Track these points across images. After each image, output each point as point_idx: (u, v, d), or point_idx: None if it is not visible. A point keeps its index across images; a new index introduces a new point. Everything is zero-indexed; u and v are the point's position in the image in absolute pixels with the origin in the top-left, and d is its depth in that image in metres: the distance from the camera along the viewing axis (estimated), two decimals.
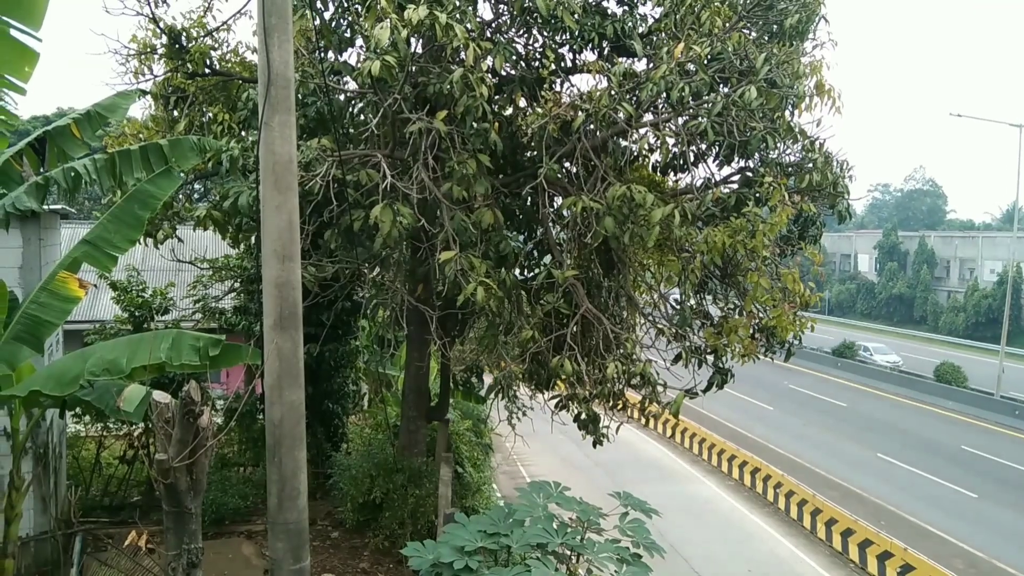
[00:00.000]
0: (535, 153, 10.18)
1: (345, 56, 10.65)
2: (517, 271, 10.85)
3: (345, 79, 10.40)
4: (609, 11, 10.17)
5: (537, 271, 11.11)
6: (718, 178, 10.53)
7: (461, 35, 8.18)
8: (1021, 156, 40.80)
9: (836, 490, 24.00)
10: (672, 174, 10.83)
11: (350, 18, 10.25)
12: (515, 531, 7.02)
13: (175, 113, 11.83)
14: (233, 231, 10.67)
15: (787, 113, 9.68)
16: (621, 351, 9.74)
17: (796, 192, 9.80)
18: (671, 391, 10.09)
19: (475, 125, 8.68)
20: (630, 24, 10.03)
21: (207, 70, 11.18)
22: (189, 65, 10.91)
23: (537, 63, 10.20)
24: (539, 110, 9.36)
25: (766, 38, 9.99)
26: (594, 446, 10.68)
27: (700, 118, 9.11)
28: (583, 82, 11.39)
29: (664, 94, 9.11)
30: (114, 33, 22.11)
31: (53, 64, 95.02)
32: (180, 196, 12.36)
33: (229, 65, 11.66)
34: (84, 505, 12.07)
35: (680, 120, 9.47)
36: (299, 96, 9.69)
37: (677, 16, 9.66)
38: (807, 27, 10.01)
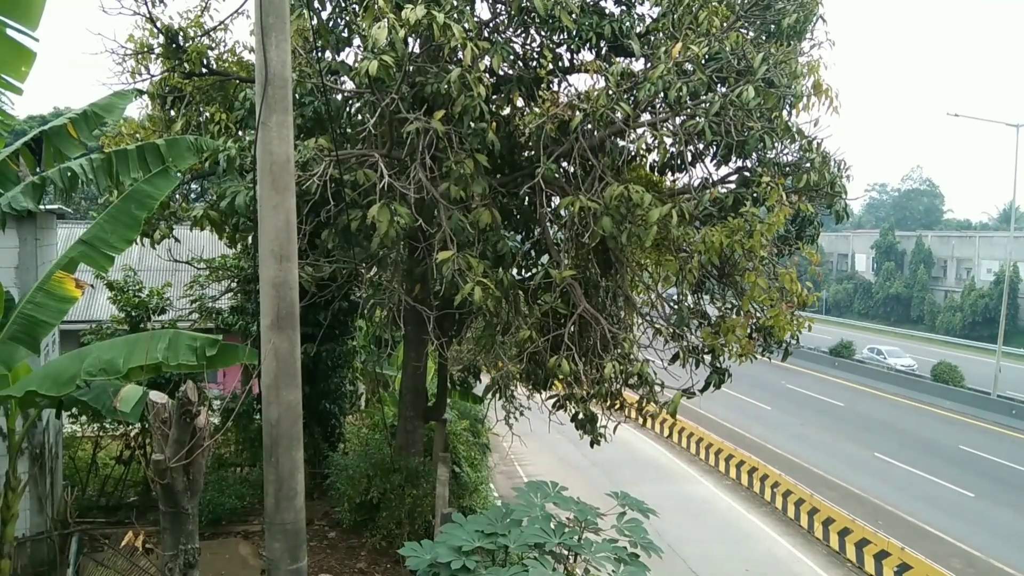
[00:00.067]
0: (533, 153, 10.18)
1: (342, 56, 10.66)
2: (515, 271, 10.84)
3: (342, 79, 10.39)
4: (607, 11, 10.17)
5: (535, 271, 11.10)
6: (716, 178, 10.54)
7: (459, 35, 8.17)
8: (1018, 156, 40.90)
9: (834, 489, 24.02)
10: (670, 174, 10.84)
11: (347, 18, 10.24)
12: (513, 531, 7.02)
13: (172, 113, 11.82)
14: (230, 231, 10.66)
15: (785, 113, 9.68)
16: (619, 351, 9.74)
17: (794, 192, 9.81)
18: (668, 391, 10.10)
19: (472, 125, 8.67)
20: (628, 24, 10.02)
21: (204, 70, 11.17)
22: (186, 65, 10.89)
23: (535, 63, 10.19)
24: (537, 110, 9.35)
25: (764, 38, 9.99)
26: (591, 446, 10.69)
27: (698, 118, 9.11)
28: (581, 82, 11.41)
29: (662, 94, 9.10)
30: (111, 33, 22.05)
31: (50, 64, 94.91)
32: (177, 196, 12.34)
33: (226, 65, 11.64)
34: (80, 505, 12.06)
35: (678, 120, 9.47)
36: (296, 96, 9.69)
37: (675, 16, 9.65)
38: (805, 27, 10.01)
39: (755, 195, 9.38)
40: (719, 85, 9.44)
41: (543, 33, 10.04)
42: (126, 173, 8.37)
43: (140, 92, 11.51)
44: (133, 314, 13.09)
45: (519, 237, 11.93)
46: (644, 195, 8.75)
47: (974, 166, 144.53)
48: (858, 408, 36.92)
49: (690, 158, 9.98)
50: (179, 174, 9.04)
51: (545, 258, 10.86)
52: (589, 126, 9.46)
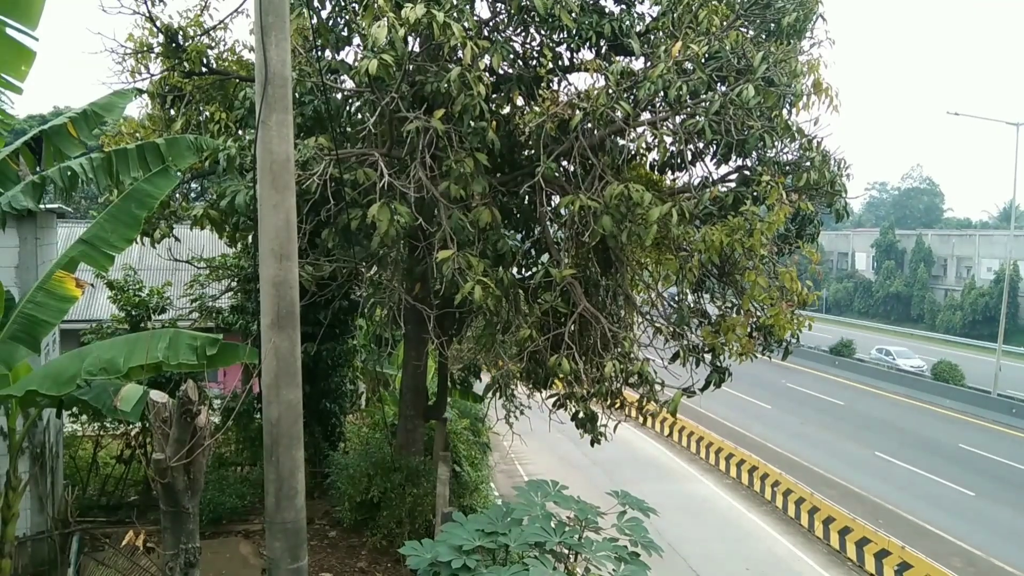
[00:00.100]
0: (533, 152, 10.18)
1: (342, 55, 10.65)
2: (515, 270, 10.84)
3: (342, 78, 10.38)
4: (607, 10, 10.16)
5: (535, 270, 11.10)
6: (716, 177, 10.54)
7: (459, 34, 8.17)
8: (1018, 154, 40.89)
9: (834, 488, 24.03)
10: (670, 173, 10.84)
11: (347, 17, 10.24)
12: (513, 530, 7.01)
13: (172, 112, 11.81)
14: (230, 230, 10.67)
15: (785, 112, 9.68)
16: (619, 350, 9.74)
17: (794, 191, 9.80)
18: (669, 390, 10.10)
19: (472, 124, 8.67)
20: (628, 23, 10.02)
21: (204, 69, 11.16)
22: (186, 64, 10.89)
23: (535, 62, 10.19)
24: (537, 109, 9.35)
25: (764, 37, 9.98)
26: (592, 445, 10.68)
27: (698, 117, 9.11)
28: (581, 81, 11.40)
29: (662, 93, 9.10)
30: (111, 32, 22.05)
31: (50, 63, 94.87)
32: (177, 195, 12.33)
33: (226, 64, 11.63)
34: (81, 505, 12.06)
35: (678, 119, 9.46)
36: (296, 95, 9.68)
37: (675, 15, 9.65)
38: (805, 25, 10.00)
39: (755, 194, 9.38)
40: (719, 84, 9.43)
41: (543, 32, 10.04)
42: (126, 172, 8.37)
43: (140, 91, 11.50)
44: (133, 313, 13.09)
45: (519, 236, 11.92)
46: (644, 194, 8.75)
47: (974, 165, 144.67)
48: (858, 407, 36.93)
49: (690, 157, 9.99)
50: (179, 173, 9.04)
51: (545, 257, 10.86)
52: (589, 125, 9.46)
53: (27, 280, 9.70)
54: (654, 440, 30.19)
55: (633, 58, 10.41)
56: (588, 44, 10.02)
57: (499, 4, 10.42)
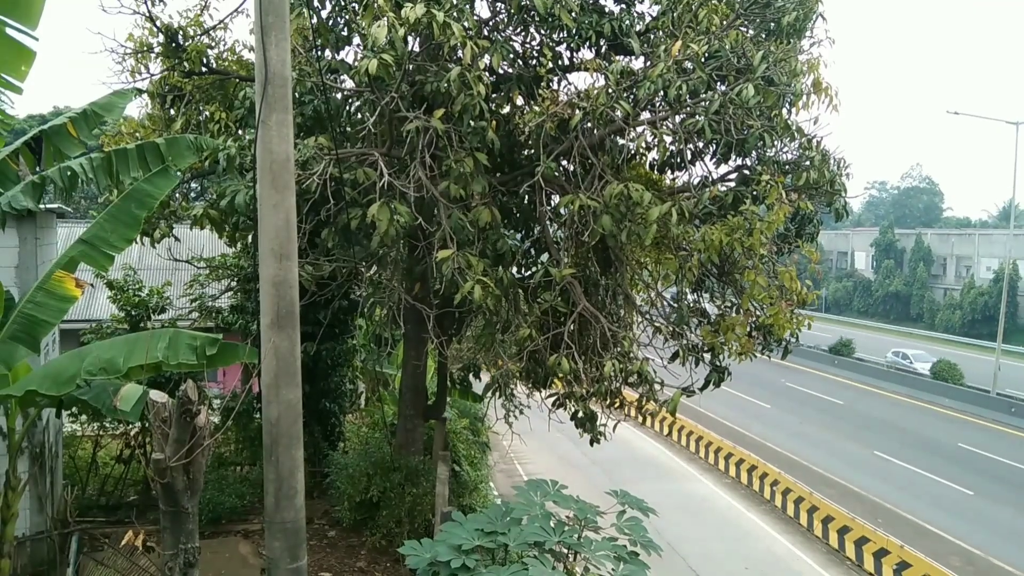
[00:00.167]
0: (532, 151, 10.18)
1: (342, 54, 10.65)
2: (514, 269, 10.84)
3: (342, 77, 10.38)
4: (607, 9, 10.16)
5: (534, 269, 11.10)
6: (715, 176, 10.54)
7: (458, 33, 8.17)
8: (1018, 154, 40.91)
9: (833, 488, 24.04)
10: (669, 172, 10.84)
11: (347, 16, 10.24)
12: (512, 529, 7.02)
13: (172, 112, 11.81)
14: (230, 230, 10.67)
15: (784, 111, 9.68)
16: (618, 349, 9.74)
17: (793, 190, 9.81)
18: (668, 389, 10.10)
19: (472, 123, 8.67)
20: (628, 22, 10.02)
21: (204, 69, 11.16)
22: (186, 64, 10.88)
23: (535, 61, 10.19)
24: (537, 108, 9.35)
25: (763, 36, 9.98)
26: (591, 444, 10.69)
27: (697, 116, 9.11)
28: (581, 80, 11.42)
29: (662, 92, 9.10)
30: (111, 32, 22.03)
31: (50, 63, 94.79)
32: (177, 195, 12.33)
33: (226, 64, 11.63)
34: (80, 505, 12.06)
35: (677, 118, 9.46)
36: (296, 95, 9.68)
37: (675, 14, 9.65)
38: (804, 25, 10.00)
39: (755, 193, 9.38)
40: (719, 83, 9.43)
41: (543, 31, 10.04)
42: (126, 172, 8.37)
43: (140, 91, 11.50)
44: (133, 313, 13.09)
45: (519, 235, 11.93)
46: (644, 193, 8.75)
47: (974, 164, 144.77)
48: (858, 406, 36.93)
49: (690, 156, 9.99)
50: (179, 173, 9.03)
51: (545, 256, 10.86)
52: (589, 124, 9.46)
53: (27, 280, 9.69)
54: (653, 439, 30.20)
55: (633, 57, 10.42)
56: (588, 43, 10.02)
57: (499, 3, 10.42)
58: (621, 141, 10.12)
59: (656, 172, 10.83)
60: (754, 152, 9.80)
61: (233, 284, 14.76)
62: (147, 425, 11.68)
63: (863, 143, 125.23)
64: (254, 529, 12.37)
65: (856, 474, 25.90)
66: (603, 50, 10.21)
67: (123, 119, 11.80)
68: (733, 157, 9.93)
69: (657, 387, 10.07)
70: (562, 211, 10.13)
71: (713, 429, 28.96)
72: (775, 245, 10.39)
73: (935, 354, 46.57)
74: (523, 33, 10.39)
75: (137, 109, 12.77)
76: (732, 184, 10.31)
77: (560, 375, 9.43)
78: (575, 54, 10.62)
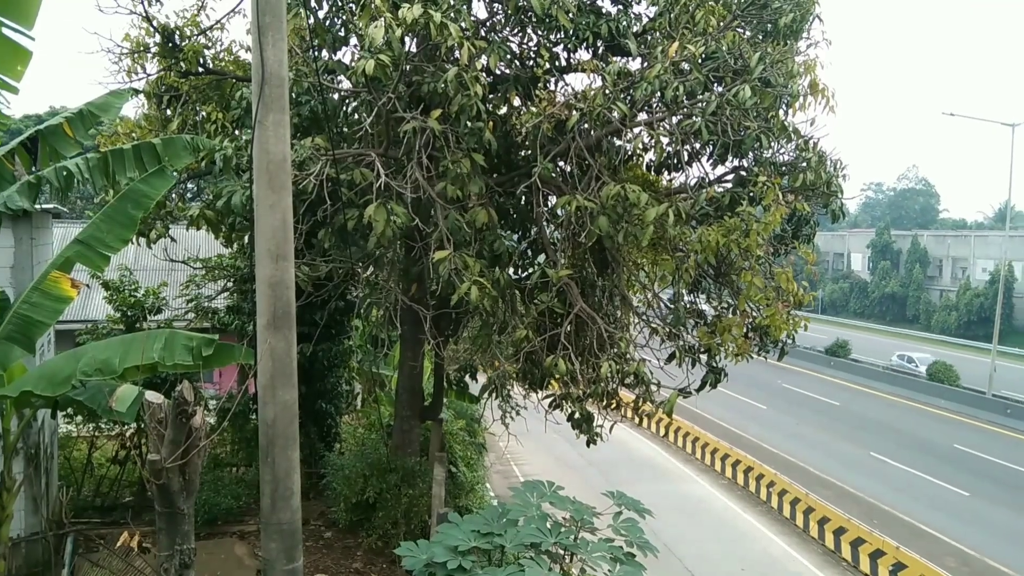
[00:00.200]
0: (529, 152, 10.17)
1: (339, 55, 10.64)
2: (511, 270, 10.84)
3: (339, 78, 10.37)
4: (604, 10, 10.16)
5: (531, 270, 11.10)
6: (712, 177, 10.55)
7: (455, 34, 8.16)
8: (1014, 155, 41.06)
9: (829, 489, 24.07)
10: (666, 173, 10.85)
11: (344, 17, 10.23)
12: (509, 531, 7.01)
13: (168, 112, 11.79)
14: (226, 230, 10.65)
15: (781, 112, 9.69)
16: (615, 350, 9.74)
17: (790, 191, 9.81)
18: (665, 390, 10.11)
19: (469, 124, 8.67)
20: (625, 23, 10.02)
21: (200, 69, 11.15)
22: (182, 64, 10.88)
23: (531, 62, 10.19)
24: (533, 109, 9.35)
25: (760, 37, 10.00)
26: (588, 445, 10.68)
27: (694, 117, 9.12)
28: (578, 81, 11.39)
29: (658, 93, 9.11)
30: (107, 32, 22.01)
31: (46, 63, 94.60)
32: (173, 195, 12.32)
33: (223, 64, 11.62)
34: (76, 506, 12.03)
35: (674, 119, 9.47)
36: (293, 95, 9.66)
37: (672, 15, 9.66)
38: (801, 26, 10.02)
39: (751, 194, 9.38)
40: (716, 84, 9.44)
41: (540, 32, 10.04)
42: (122, 172, 8.34)
43: (136, 91, 11.49)
44: (129, 314, 13.06)
45: (516, 236, 11.92)
46: (641, 194, 8.75)
47: (970, 165, 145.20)
48: (854, 407, 37.00)
49: (686, 157, 9.99)
50: (175, 173, 9.01)
51: (542, 257, 10.87)
52: (586, 125, 9.47)
53: (22, 280, 9.67)
54: (650, 441, 30.21)
55: (630, 59, 10.43)
56: (585, 44, 10.03)
57: (496, 4, 10.42)
58: (618, 142, 10.11)
59: (653, 173, 10.84)
60: (751, 153, 9.80)
61: (229, 285, 14.74)
62: (143, 426, 11.65)
63: (859, 144, 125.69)
64: (250, 530, 12.35)
65: (852, 475, 25.94)
66: (600, 51, 10.22)
67: (119, 119, 11.80)
68: (730, 158, 9.93)
69: (654, 388, 10.07)
70: (559, 212, 10.13)
71: (709, 430, 28.98)
72: (772, 246, 10.40)
73: (932, 355, 46.63)
74: (520, 34, 10.39)
75: (133, 109, 12.77)
76: (729, 185, 10.31)
77: (557, 376, 9.42)
78: (572, 55, 10.62)
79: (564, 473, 22.34)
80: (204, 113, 11.27)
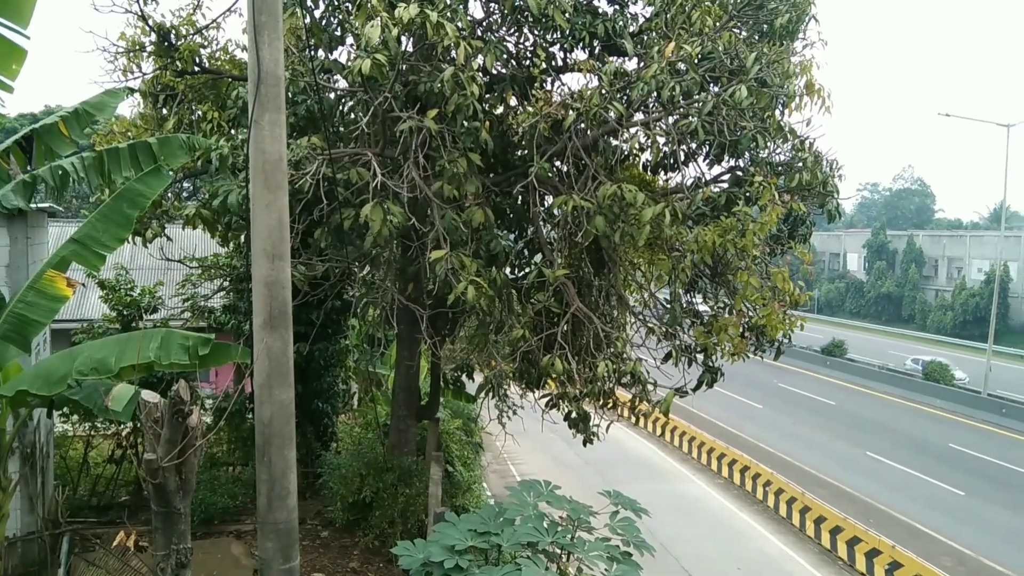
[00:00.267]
0: (526, 152, 10.18)
1: (335, 54, 10.62)
2: (508, 270, 10.84)
3: (335, 77, 10.36)
4: (600, 10, 10.16)
5: (528, 270, 11.11)
6: (708, 177, 10.56)
7: (452, 33, 8.16)
8: (1009, 156, 41.22)
9: (825, 488, 24.12)
10: (663, 173, 10.86)
11: (340, 16, 10.22)
12: (505, 530, 7.02)
13: (164, 111, 11.76)
14: (222, 230, 10.63)
15: (777, 112, 9.71)
16: (611, 350, 9.75)
17: (786, 191, 9.83)
18: (661, 390, 10.11)
19: (466, 124, 8.67)
20: (621, 23, 10.02)
21: (196, 68, 11.12)
22: (178, 63, 10.85)
23: (528, 62, 10.19)
24: (530, 109, 9.35)
25: (756, 37, 10.01)
26: (584, 445, 10.69)
27: (691, 117, 9.12)
28: (574, 81, 11.40)
29: (655, 93, 9.11)
30: (103, 31, 21.96)
31: (41, 61, 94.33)
32: (169, 194, 12.28)
33: (218, 63, 11.59)
34: (72, 505, 12.00)
35: (671, 119, 9.48)
36: (289, 94, 9.65)
37: (668, 15, 9.66)
38: (797, 27, 10.03)
39: (748, 194, 9.39)
40: (712, 85, 9.45)
41: (536, 32, 10.04)
42: (118, 171, 8.34)
43: (132, 90, 11.44)
44: (125, 313, 13.04)
45: (512, 236, 11.92)
46: (637, 194, 8.76)
47: (965, 166, 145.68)
48: (849, 407, 37.09)
49: (683, 157, 10.00)
50: (171, 172, 8.99)
51: (538, 257, 10.87)
52: (582, 125, 9.47)
53: (18, 279, 9.64)
54: (646, 440, 30.25)
55: (626, 58, 10.42)
56: (581, 44, 10.02)
57: (492, 4, 10.41)
58: (614, 142, 10.12)
59: (649, 173, 10.85)
60: (747, 153, 9.81)
61: (226, 284, 14.72)
62: (139, 425, 11.56)
63: (855, 145, 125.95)
64: (246, 530, 12.34)
65: (848, 474, 26.00)
66: (596, 51, 10.22)
67: (115, 118, 11.74)
68: (726, 158, 9.94)
69: (650, 388, 10.07)
70: (555, 212, 10.13)
71: (706, 430, 29.02)
72: (768, 246, 10.41)
73: (926, 355, 46.72)
74: (517, 34, 10.39)
75: (129, 108, 12.71)
76: (725, 185, 10.33)
77: (553, 376, 9.43)
78: (569, 55, 10.62)
79: (561, 472, 22.35)
80: (200, 112, 11.24)
